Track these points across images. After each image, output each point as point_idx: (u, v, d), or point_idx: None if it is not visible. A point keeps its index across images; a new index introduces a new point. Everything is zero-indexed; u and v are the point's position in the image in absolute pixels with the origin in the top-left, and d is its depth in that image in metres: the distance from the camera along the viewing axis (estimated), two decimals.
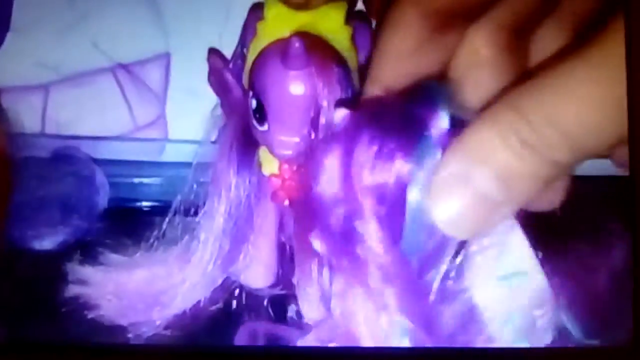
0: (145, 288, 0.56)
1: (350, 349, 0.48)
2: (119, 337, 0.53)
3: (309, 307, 0.55)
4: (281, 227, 0.59)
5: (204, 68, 0.58)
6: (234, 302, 0.57)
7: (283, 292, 0.57)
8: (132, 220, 0.58)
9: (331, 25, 0.53)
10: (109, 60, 0.61)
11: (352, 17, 0.54)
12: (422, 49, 0.47)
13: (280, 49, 0.51)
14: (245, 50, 0.55)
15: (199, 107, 0.60)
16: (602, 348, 0.51)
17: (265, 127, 0.52)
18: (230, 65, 0.58)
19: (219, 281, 0.56)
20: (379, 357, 0.46)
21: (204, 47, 0.60)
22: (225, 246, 0.55)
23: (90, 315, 0.54)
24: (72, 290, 0.56)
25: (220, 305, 0.56)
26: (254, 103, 0.53)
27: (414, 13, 0.46)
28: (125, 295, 0.56)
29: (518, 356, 0.46)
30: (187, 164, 0.58)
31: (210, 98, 0.58)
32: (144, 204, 0.64)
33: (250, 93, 0.53)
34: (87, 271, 0.57)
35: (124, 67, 0.64)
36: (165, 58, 0.64)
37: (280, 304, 0.57)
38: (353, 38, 0.54)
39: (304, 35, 0.51)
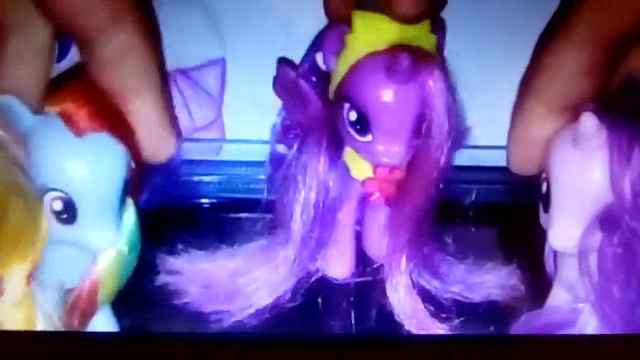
0: (229, 280, 0.58)
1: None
2: (201, 324, 0.55)
3: (396, 298, 0.57)
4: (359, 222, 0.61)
5: (258, 72, 0.62)
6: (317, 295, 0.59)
7: (366, 279, 0.60)
8: (194, 217, 0.60)
9: (420, 34, 0.54)
10: (169, 65, 0.61)
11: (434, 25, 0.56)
12: (592, 72, 0.49)
13: (382, 63, 0.52)
14: (329, 63, 0.57)
15: (254, 109, 0.64)
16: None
17: (368, 138, 0.54)
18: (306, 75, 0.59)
19: (302, 274, 0.58)
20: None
21: (258, 51, 0.64)
22: (310, 242, 0.57)
23: (177, 302, 0.56)
24: (162, 279, 0.57)
25: (302, 299, 0.57)
26: (353, 115, 0.54)
27: (591, 36, 0.49)
28: (210, 285, 0.57)
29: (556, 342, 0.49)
30: (244, 162, 0.64)
31: (264, 101, 0.61)
32: (204, 200, 0.65)
33: (347, 106, 0.54)
34: (176, 262, 0.58)
35: (183, 72, 0.65)
36: (221, 63, 0.65)
37: (363, 294, 0.59)
38: (438, 45, 0.56)
39: (407, 48, 0.52)
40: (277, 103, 0.60)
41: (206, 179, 0.66)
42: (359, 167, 0.57)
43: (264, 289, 0.57)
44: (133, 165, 0.50)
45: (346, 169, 0.57)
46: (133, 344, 0.47)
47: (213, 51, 0.66)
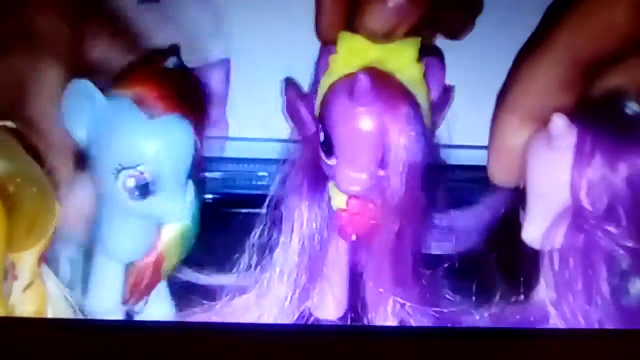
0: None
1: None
2: None
3: None
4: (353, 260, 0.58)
5: (263, 72, 0.63)
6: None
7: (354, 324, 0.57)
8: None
9: (403, 61, 0.52)
10: None
11: (425, 53, 0.53)
12: (566, 88, 0.50)
13: (348, 84, 0.51)
14: (317, 83, 0.55)
15: (257, 109, 0.64)
16: None
17: (333, 162, 0.52)
18: (308, 97, 0.58)
19: (296, 315, 0.56)
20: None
21: (263, 52, 0.65)
22: (301, 281, 0.56)
23: None
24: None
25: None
26: (322, 137, 0.53)
27: (567, 55, 0.50)
28: None
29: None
30: (247, 160, 0.66)
31: (267, 101, 0.62)
32: (208, 196, 0.66)
33: (320, 126, 0.53)
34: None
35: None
36: (226, 63, 0.65)
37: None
38: (425, 75, 0.53)
39: (372, 71, 0.51)
40: (280, 103, 0.60)
41: (210, 175, 0.67)
42: (336, 198, 0.55)
43: None
44: (199, 145, 0.52)
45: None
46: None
47: (218, 52, 0.67)
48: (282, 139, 0.63)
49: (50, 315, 0.50)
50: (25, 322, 0.48)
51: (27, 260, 0.49)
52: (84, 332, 0.46)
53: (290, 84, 0.60)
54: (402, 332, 0.52)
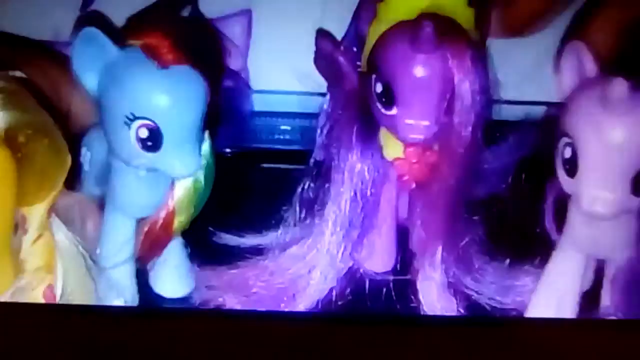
0: (272, 281, 0.57)
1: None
2: None
3: (428, 294, 0.55)
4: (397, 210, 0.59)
5: (285, 23, 0.65)
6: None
7: (405, 277, 0.57)
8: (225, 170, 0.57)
9: (456, 6, 0.53)
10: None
11: None
12: None
13: (408, 32, 0.51)
14: (361, 32, 0.56)
15: (280, 60, 0.66)
16: None
17: (393, 111, 0.52)
18: (342, 48, 0.58)
19: (345, 268, 0.56)
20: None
21: (285, 3, 0.67)
22: (353, 233, 0.56)
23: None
24: (200, 295, 0.57)
25: (349, 296, 0.56)
26: (379, 87, 0.53)
27: None
28: (252, 291, 0.56)
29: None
30: (269, 113, 0.68)
31: (289, 52, 0.64)
32: (227, 150, 0.66)
33: (374, 77, 0.53)
34: (209, 274, 0.58)
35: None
36: (247, 14, 0.67)
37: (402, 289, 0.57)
38: (476, 19, 0.54)
39: (433, 17, 0.50)
40: (304, 54, 0.61)
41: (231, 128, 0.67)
42: (390, 147, 0.56)
43: (312, 286, 0.56)
44: (212, 98, 0.52)
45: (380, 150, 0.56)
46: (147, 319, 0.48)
47: (240, 2, 0.68)
48: (309, 91, 0.64)
49: (59, 267, 0.49)
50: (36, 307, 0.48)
51: (36, 212, 0.48)
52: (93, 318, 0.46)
53: (323, 35, 0.60)
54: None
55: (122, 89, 0.50)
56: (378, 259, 0.59)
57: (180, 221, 0.53)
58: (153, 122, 0.50)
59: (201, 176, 0.53)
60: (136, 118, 0.50)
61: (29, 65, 0.52)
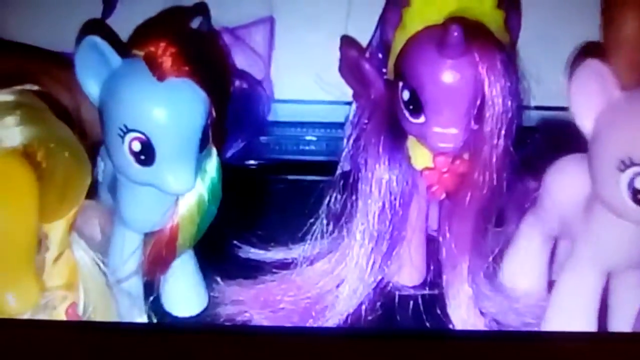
0: (300, 296, 0.58)
1: None
2: None
3: (457, 308, 0.56)
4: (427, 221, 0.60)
5: (308, 32, 0.67)
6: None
7: (433, 291, 0.58)
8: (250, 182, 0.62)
9: (483, 8, 0.53)
10: (216, 24, 0.63)
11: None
12: None
13: (435, 37, 0.51)
14: (387, 38, 0.56)
15: (303, 69, 0.66)
16: None
17: (421, 119, 0.53)
18: (367, 55, 0.59)
19: (374, 282, 0.57)
20: None
21: (308, 9, 0.68)
22: (382, 246, 0.56)
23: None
24: (225, 310, 0.58)
25: (379, 311, 0.57)
26: (406, 94, 0.53)
27: None
28: (278, 307, 0.58)
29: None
30: (293, 123, 0.70)
31: (313, 59, 0.65)
32: (251, 162, 0.68)
33: (401, 84, 0.53)
34: (235, 289, 0.59)
35: (230, 31, 0.67)
36: (269, 21, 0.68)
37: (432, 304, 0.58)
38: (506, 21, 0.54)
39: (460, 20, 0.51)
40: (328, 62, 0.61)
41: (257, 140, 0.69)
42: (419, 156, 0.56)
43: (341, 301, 0.57)
44: (214, 114, 0.53)
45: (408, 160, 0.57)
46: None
47: (261, 10, 0.69)
48: (334, 100, 0.65)
49: (81, 285, 0.51)
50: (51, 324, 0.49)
51: (58, 229, 0.49)
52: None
53: (347, 42, 0.60)
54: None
55: (117, 100, 0.51)
56: (407, 272, 0.60)
57: (184, 238, 0.54)
58: (145, 135, 0.50)
59: (205, 193, 0.53)
60: (129, 131, 0.50)
61: (47, 76, 0.53)
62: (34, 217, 0.47)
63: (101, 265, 0.51)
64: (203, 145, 0.52)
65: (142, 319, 0.55)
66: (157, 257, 0.55)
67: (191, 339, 0.47)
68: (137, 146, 0.50)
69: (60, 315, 0.49)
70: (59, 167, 0.47)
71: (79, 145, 0.49)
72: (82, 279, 0.51)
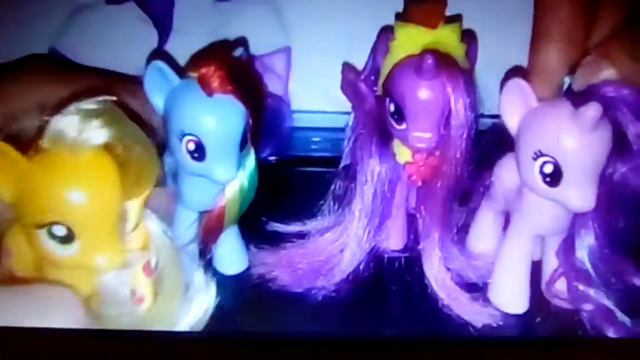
0: (313, 258, 0.66)
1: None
2: (297, 302, 0.64)
3: (430, 266, 0.64)
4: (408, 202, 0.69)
5: (317, 58, 0.75)
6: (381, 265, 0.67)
7: (413, 254, 0.67)
8: (273, 173, 0.67)
9: (451, 43, 0.62)
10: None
11: (463, 36, 0.63)
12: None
13: (414, 63, 0.60)
14: (377, 65, 0.65)
15: (314, 86, 0.76)
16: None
17: (403, 126, 0.62)
18: (363, 77, 0.67)
19: (369, 247, 0.66)
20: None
21: (318, 42, 0.77)
22: (374, 221, 0.65)
23: (274, 286, 0.65)
24: (257, 270, 0.67)
25: (372, 269, 0.66)
26: (392, 107, 0.62)
27: None
28: (297, 267, 0.66)
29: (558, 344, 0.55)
30: (308, 128, 0.79)
31: (322, 80, 0.73)
32: (272, 158, 0.76)
33: (388, 99, 0.62)
34: (264, 254, 0.68)
35: (258, 58, 0.75)
36: (287, 50, 0.76)
37: (412, 263, 0.67)
38: (466, 53, 0.63)
39: (433, 51, 0.60)
40: (333, 82, 0.69)
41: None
42: (402, 153, 0.65)
43: (344, 262, 0.65)
44: (250, 122, 0.60)
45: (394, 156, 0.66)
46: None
47: (282, 40, 0.78)
48: (337, 111, 0.73)
49: (152, 248, 0.57)
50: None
51: (134, 206, 0.55)
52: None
53: (348, 67, 0.69)
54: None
55: (177, 110, 0.58)
56: (393, 240, 0.69)
57: (229, 216, 0.62)
58: (198, 138, 0.58)
59: (245, 182, 0.61)
60: (185, 134, 0.58)
61: (123, 91, 0.58)
62: (117, 197, 0.53)
63: (168, 234, 0.57)
64: (242, 146, 0.60)
65: (200, 275, 0.60)
66: (210, 230, 0.62)
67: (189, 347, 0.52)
68: (191, 146, 0.58)
69: (138, 270, 0.56)
70: (133, 159, 0.53)
71: (149, 142, 0.55)
72: (154, 244, 0.57)
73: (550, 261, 0.63)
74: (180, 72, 0.60)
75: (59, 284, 0.54)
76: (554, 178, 0.57)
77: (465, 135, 0.61)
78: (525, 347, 0.53)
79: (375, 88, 0.66)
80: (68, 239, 0.52)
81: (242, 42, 0.71)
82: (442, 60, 0.60)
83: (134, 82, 0.63)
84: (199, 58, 0.62)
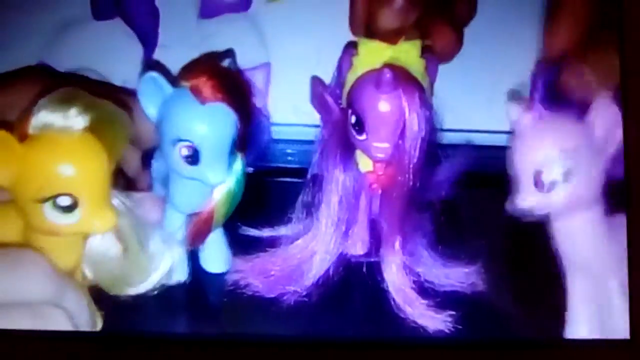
0: (285, 265, 0.68)
1: None
2: (271, 306, 0.67)
3: (390, 271, 0.67)
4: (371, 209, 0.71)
5: (294, 72, 0.77)
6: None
7: (375, 259, 0.69)
8: (249, 182, 0.68)
9: (411, 58, 0.65)
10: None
11: (424, 51, 0.66)
12: None
13: (374, 78, 0.62)
14: (342, 78, 0.67)
15: (291, 100, 0.78)
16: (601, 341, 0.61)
17: (363, 137, 0.64)
18: (329, 90, 0.70)
19: (337, 253, 0.68)
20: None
21: (291, 58, 0.80)
22: (340, 228, 0.68)
23: (248, 293, 0.68)
24: (231, 277, 0.69)
25: (341, 273, 0.68)
26: (353, 119, 0.65)
27: None
28: (270, 274, 0.68)
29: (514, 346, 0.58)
30: (281, 140, 0.81)
31: (295, 94, 0.75)
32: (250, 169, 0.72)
33: (350, 111, 0.65)
34: (238, 262, 0.70)
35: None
36: (267, 66, 0.79)
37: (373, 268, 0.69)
38: (426, 69, 0.66)
39: (392, 66, 0.62)
40: (305, 96, 0.73)
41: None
42: (363, 163, 0.68)
43: (314, 268, 0.68)
44: (241, 129, 0.63)
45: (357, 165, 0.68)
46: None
47: (261, 57, 0.81)
48: (308, 123, 0.76)
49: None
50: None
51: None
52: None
53: (316, 80, 0.71)
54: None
55: (171, 118, 0.61)
56: (358, 245, 0.71)
57: (218, 218, 0.65)
58: (192, 143, 0.61)
59: (233, 185, 0.64)
60: (180, 140, 0.61)
61: (114, 101, 0.62)
62: (106, 166, 0.58)
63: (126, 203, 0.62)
64: (232, 151, 0.63)
65: (185, 275, 0.66)
66: (198, 231, 0.66)
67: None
68: (185, 151, 0.61)
69: None
70: (109, 130, 0.58)
71: (116, 108, 0.60)
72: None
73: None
74: (173, 81, 0.63)
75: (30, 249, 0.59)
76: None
77: (419, 146, 0.64)
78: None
79: (340, 101, 0.69)
80: (70, 208, 0.57)
81: (229, 53, 0.73)
82: (400, 76, 0.62)
83: (126, 92, 0.68)
84: (191, 69, 0.66)
